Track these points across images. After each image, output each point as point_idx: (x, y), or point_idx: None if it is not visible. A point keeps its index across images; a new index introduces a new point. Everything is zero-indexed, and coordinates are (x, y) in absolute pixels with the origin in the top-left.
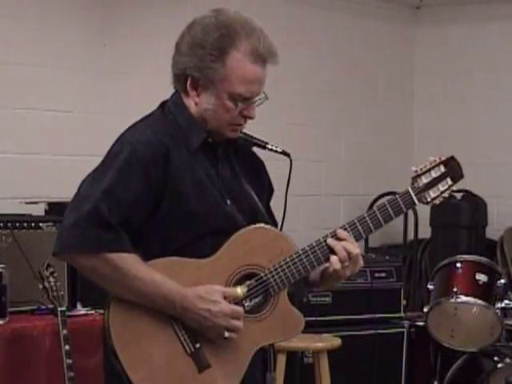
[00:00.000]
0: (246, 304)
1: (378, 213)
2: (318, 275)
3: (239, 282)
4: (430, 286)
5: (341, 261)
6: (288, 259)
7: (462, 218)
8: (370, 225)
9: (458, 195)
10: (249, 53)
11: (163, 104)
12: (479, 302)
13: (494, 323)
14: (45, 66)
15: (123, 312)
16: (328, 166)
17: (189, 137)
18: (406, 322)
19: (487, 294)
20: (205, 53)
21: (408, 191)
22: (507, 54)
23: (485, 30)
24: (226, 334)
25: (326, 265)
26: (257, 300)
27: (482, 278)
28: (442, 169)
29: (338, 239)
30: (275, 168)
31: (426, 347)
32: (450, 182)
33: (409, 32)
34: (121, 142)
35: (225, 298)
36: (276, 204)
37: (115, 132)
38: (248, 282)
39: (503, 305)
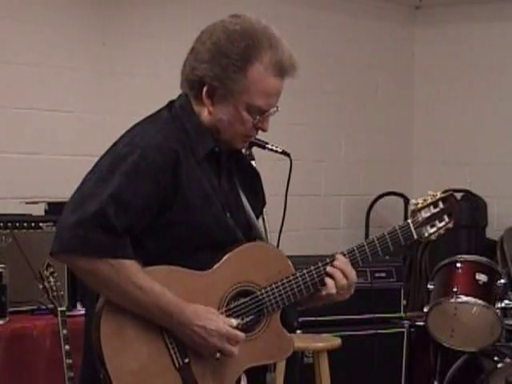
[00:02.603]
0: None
1: (376, 243)
2: (307, 296)
3: (234, 299)
4: (430, 286)
5: (337, 287)
6: (285, 280)
7: (462, 217)
8: (368, 254)
9: (458, 195)
10: (272, 65)
11: (170, 104)
12: (479, 302)
13: (493, 323)
14: (45, 66)
15: (115, 319)
16: (328, 166)
17: (196, 144)
18: (406, 321)
19: (487, 294)
20: (228, 62)
21: (408, 224)
22: (507, 54)
23: (485, 30)
24: (218, 355)
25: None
26: (249, 319)
27: (482, 278)
28: (441, 205)
29: (335, 266)
30: (275, 168)
31: (426, 347)
32: (447, 219)
33: (408, 32)
34: (130, 144)
35: None
36: (276, 204)
37: (115, 132)
38: (242, 300)
39: (503, 305)
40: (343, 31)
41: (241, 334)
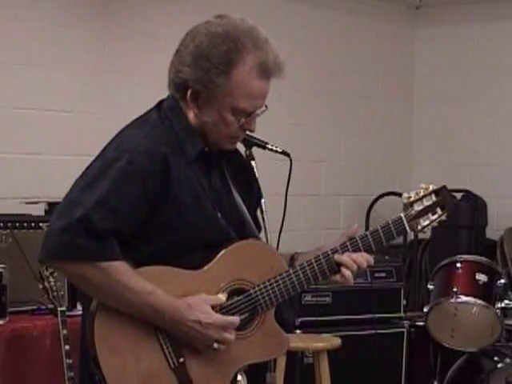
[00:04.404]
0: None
1: (369, 237)
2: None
3: (228, 297)
4: (430, 286)
5: (353, 273)
6: (278, 277)
7: (461, 217)
8: (361, 249)
9: (458, 195)
10: (256, 67)
11: (160, 104)
12: (479, 302)
13: (494, 323)
14: (45, 66)
15: (109, 321)
16: (328, 166)
17: (185, 145)
18: (406, 322)
19: (487, 293)
20: (210, 66)
21: (401, 217)
22: (507, 54)
23: (484, 29)
24: (215, 346)
25: None
26: (243, 317)
27: (482, 278)
28: (434, 198)
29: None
30: (275, 168)
31: (426, 347)
32: (440, 211)
33: (408, 32)
34: (117, 149)
35: (212, 307)
36: (276, 204)
37: (115, 132)
38: (236, 298)
39: (503, 305)
40: (343, 31)
41: (235, 319)
